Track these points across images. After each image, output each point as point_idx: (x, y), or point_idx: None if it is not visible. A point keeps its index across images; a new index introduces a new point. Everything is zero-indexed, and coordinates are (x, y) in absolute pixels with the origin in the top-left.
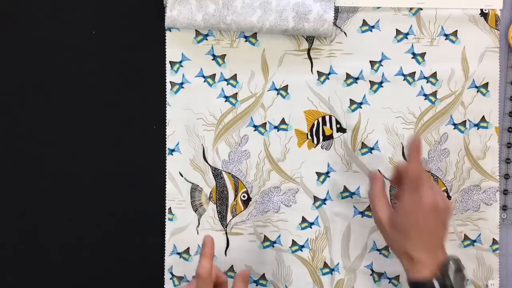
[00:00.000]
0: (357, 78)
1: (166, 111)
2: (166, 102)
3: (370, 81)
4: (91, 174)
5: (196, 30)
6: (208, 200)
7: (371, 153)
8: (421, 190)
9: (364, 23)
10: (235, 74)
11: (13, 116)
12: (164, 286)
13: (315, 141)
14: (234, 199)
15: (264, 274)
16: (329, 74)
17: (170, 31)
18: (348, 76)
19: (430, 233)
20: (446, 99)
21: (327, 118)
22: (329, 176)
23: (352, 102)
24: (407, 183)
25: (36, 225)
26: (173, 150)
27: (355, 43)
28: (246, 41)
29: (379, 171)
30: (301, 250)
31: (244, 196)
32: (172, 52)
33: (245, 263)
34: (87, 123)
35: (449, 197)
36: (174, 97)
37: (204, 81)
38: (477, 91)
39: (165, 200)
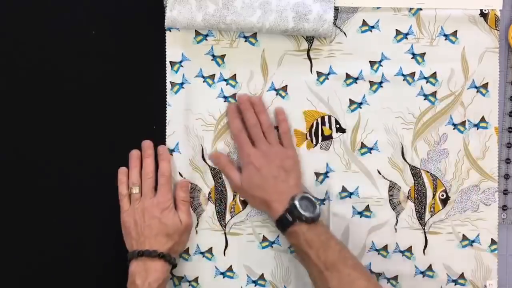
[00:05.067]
0: (356, 78)
1: (166, 112)
2: (167, 103)
3: (370, 81)
4: (91, 174)
5: (196, 30)
6: (207, 200)
7: (371, 153)
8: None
9: (364, 23)
10: (235, 74)
11: (12, 116)
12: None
13: (314, 141)
14: (233, 199)
15: (263, 274)
16: (328, 74)
17: (170, 31)
18: (348, 76)
19: (274, 177)
20: (445, 99)
21: (326, 118)
22: (328, 176)
23: (351, 102)
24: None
25: (36, 225)
26: (172, 150)
27: (355, 43)
28: (246, 41)
29: (378, 171)
30: None
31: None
32: (172, 52)
33: (244, 263)
34: (87, 123)
35: (448, 197)
36: (174, 97)
37: (204, 81)
38: (477, 91)
39: None
